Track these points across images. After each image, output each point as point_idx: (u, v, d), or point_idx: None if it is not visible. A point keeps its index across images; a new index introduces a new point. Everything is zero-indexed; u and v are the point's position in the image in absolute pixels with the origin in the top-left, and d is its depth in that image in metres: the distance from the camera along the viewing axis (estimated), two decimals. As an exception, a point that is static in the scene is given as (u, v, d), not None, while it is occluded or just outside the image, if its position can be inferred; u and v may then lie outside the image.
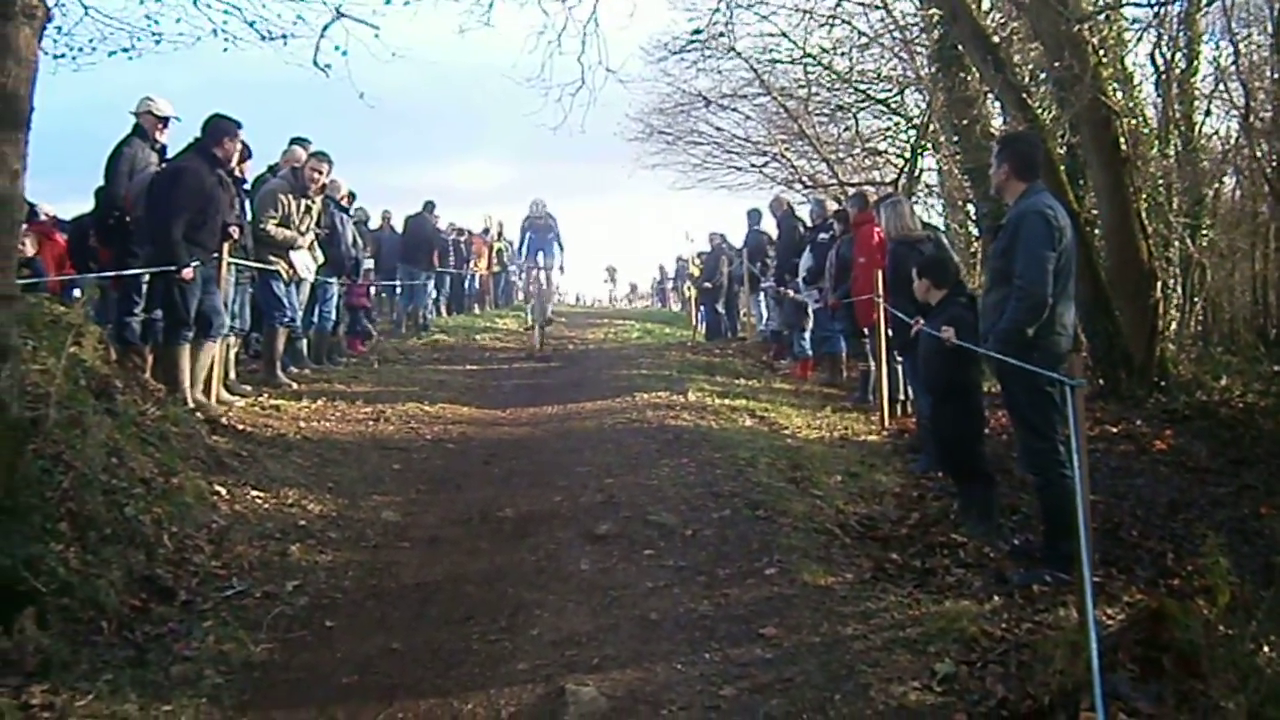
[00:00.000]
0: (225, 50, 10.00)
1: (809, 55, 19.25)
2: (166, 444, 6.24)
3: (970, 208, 17.38)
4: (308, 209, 10.31)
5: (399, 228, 18.02)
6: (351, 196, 13.39)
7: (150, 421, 6.37)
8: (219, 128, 8.34)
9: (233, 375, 9.46)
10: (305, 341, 11.51)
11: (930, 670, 4.05)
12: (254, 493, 6.36)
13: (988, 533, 5.93)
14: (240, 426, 7.79)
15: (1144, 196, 12.76)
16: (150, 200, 8.04)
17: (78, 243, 10.49)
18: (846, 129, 21.85)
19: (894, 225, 8.04)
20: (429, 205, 18.03)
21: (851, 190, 17.15)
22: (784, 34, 19.00)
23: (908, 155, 19.81)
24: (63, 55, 10.13)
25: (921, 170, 19.91)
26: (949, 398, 6.22)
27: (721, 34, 18.17)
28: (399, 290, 17.98)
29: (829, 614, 4.69)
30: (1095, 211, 12.24)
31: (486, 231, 24.60)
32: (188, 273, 7.76)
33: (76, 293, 9.84)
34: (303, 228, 10.21)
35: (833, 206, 13.70)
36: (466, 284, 22.66)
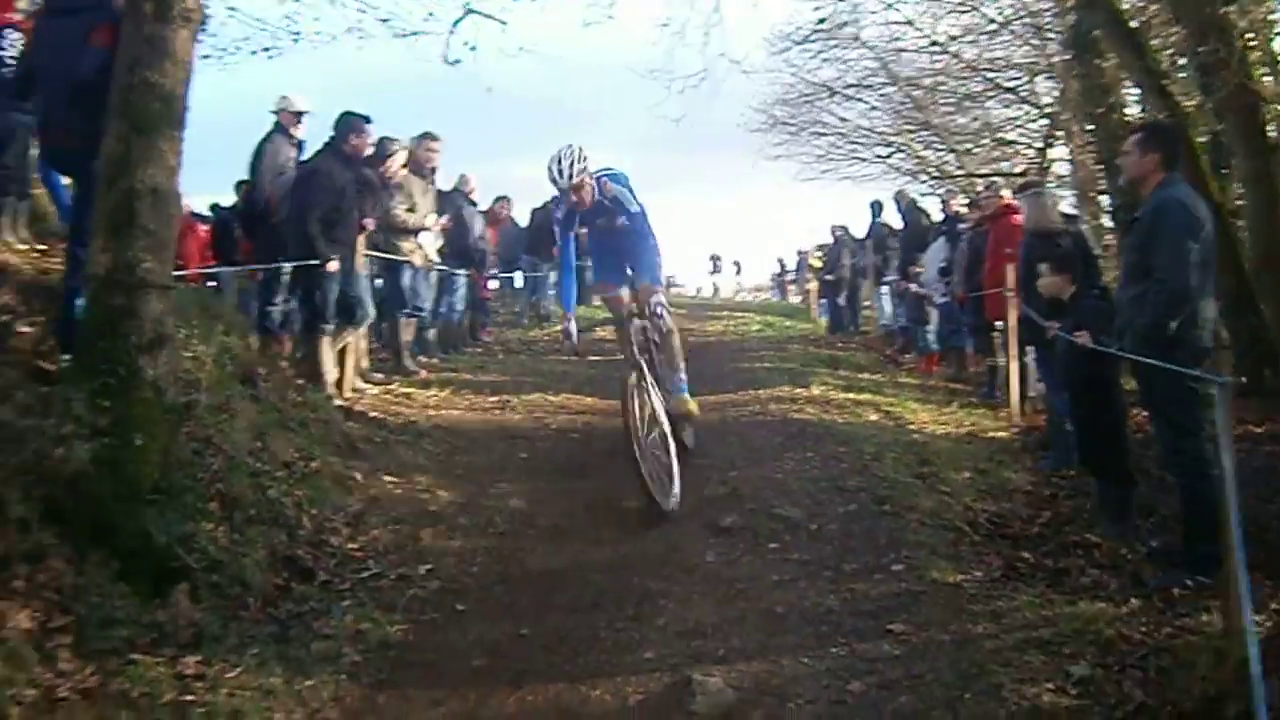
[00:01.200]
0: (359, 48, 10.33)
1: (936, 43, 18.93)
2: (306, 429, 6.48)
3: (1104, 199, 16.81)
4: (426, 191, 10.52)
5: (520, 220, 18.25)
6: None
7: (290, 408, 6.63)
8: (347, 125, 8.59)
9: (365, 364, 9.73)
10: (433, 331, 11.79)
11: (1065, 672, 3.96)
12: (387, 478, 6.55)
13: (1124, 533, 5.76)
14: (373, 414, 8.03)
15: (1293, 186, 12.16)
16: (291, 199, 8.36)
17: (221, 235, 10.97)
18: (974, 118, 21.37)
19: (1034, 216, 7.80)
20: (555, 199, 18.19)
21: (980, 182, 16.81)
22: (910, 22, 18.73)
23: (1038, 145, 19.27)
24: (209, 55, 10.61)
25: (1052, 161, 19.34)
26: (1088, 394, 6.05)
27: (846, 23, 17.99)
28: (521, 282, 18.21)
29: (958, 612, 4.62)
30: (1240, 202, 11.71)
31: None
32: (332, 265, 8.03)
33: (212, 284, 10.24)
34: (424, 209, 10.42)
35: (960, 199, 13.42)
36: (588, 276, 22.83)
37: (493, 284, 15.78)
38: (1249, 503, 6.54)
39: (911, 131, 21.87)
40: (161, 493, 4.39)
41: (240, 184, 9.89)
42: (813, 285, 22.39)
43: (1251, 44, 11.02)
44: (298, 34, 10.95)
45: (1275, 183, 10.74)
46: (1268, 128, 10.84)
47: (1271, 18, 13.44)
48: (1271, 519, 6.36)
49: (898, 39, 19.60)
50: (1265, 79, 11.67)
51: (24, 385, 4.47)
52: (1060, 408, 7.72)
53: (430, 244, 10.61)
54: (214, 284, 10.41)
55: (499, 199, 15.23)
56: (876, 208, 16.76)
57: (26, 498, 3.92)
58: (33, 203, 7.15)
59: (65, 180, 6.76)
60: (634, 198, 6.95)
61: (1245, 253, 10.93)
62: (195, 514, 4.58)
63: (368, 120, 8.79)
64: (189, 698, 3.67)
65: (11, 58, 6.37)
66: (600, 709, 3.88)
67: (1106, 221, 16.76)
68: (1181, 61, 12.98)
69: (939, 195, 16.21)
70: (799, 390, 9.91)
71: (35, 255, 6.30)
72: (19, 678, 3.38)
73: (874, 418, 8.92)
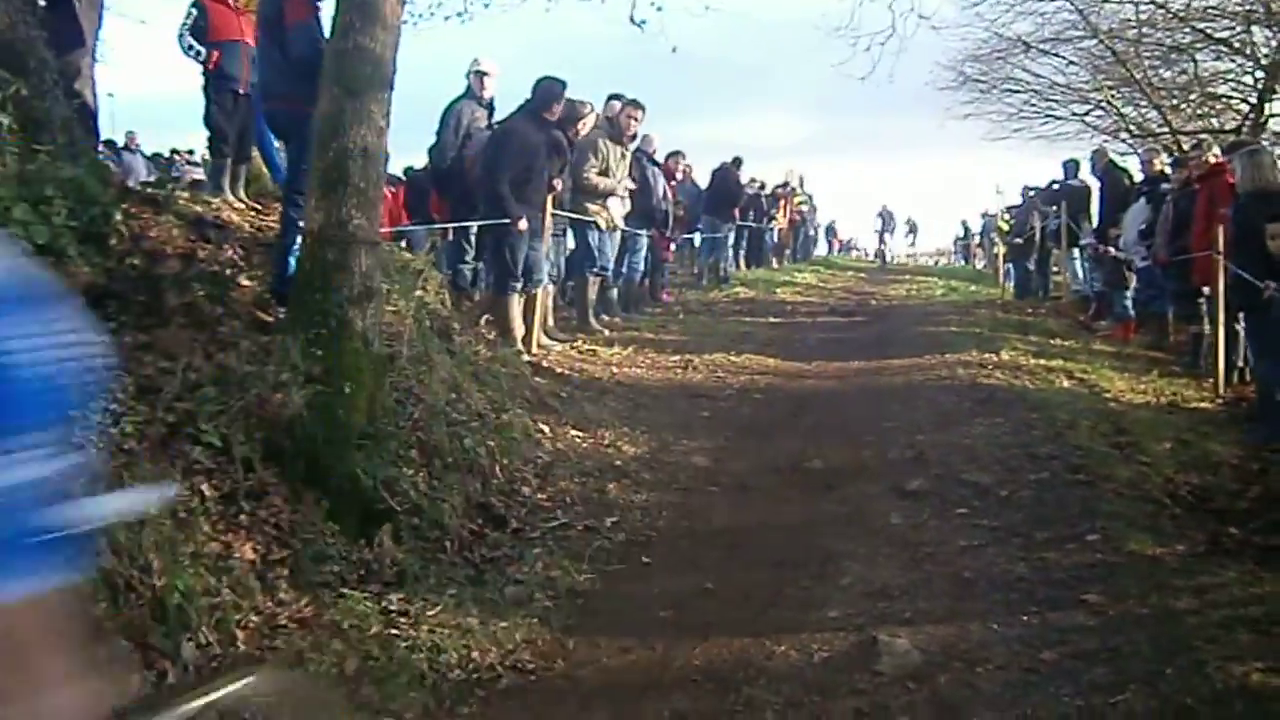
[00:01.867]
0: (548, 10, 10.50)
1: (1142, -9, 17.84)
2: (496, 383, 6.70)
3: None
4: (623, 156, 10.65)
5: (700, 181, 18.24)
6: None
7: (482, 361, 6.86)
8: (547, 91, 8.76)
9: (550, 322, 9.97)
10: (616, 290, 11.98)
11: (1276, 652, 3.75)
12: (573, 432, 6.72)
13: None
14: (559, 370, 8.24)
15: None
16: (483, 160, 8.61)
17: (415, 194, 11.38)
18: (1182, 72, 20.06)
19: (1251, 176, 7.32)
20: (737, 160, 18.06)
21: (1187, 140, 15.85)
22: (1114, -30, 17.70)
23: (1253, 100, 17.99)
24: (405, 20, 10.95)
25: (1269, 116, 18.01)
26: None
27: (1045, -27, 17.16)
28: (700, 242, 18.27)
29: (1158, 585, 4.42)
30: None
31: (786, 185, 24.54)
32: (521, 224, 8.25)
33: (403, 242, 10.64)
34: (619, 175, 10.55)
35: (1163, 158, 12.69)
36: (767, 238, 22.73)
37: (674, 245, 15.85)
38: None
39: (1112, 87, 20.71)
40: (368, 438, 4.64)
41: (431, 147, 10.23)
42: (1000, 249, 21.64)
43: None
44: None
45: None
46: None
47: None
48: None
49: (1100, -11, 18.60)
50: None
51: (246, 335, 4.76)
52: (1270, 377, 7.29)
53: (618, 209, 10.74)
54: (404, 243, 10.84)
55: (672, 154, 15.14)
56: (1071, 167, 16.03)
57: (249, 439, 4.19)
58: (249, 165, 7.60)
59: (278, 144, 7.19)
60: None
61: None
62: (398, 460, 4.81)
63: (564, 85, 8.94)
64: (393, 631, 3.87)
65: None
66: (785, 664, 3.89)
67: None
68: None
69: (1139, 154, 15.30)
70: (988, 355, 9.64)
71: (252, 214, 6.69)
72: (244, 604, 3.65)
73: (1067, 385, 8.59)
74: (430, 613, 4.07)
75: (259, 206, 6.93)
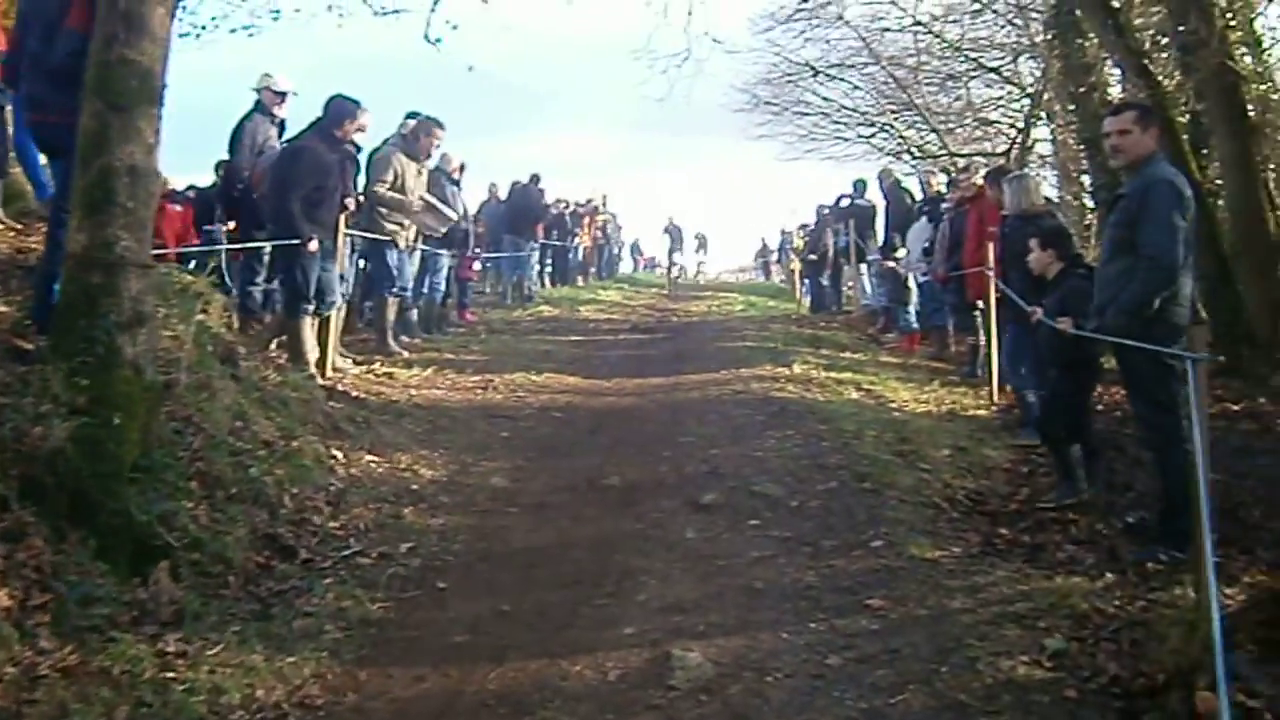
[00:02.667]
0: (339, 25, 10.32)
1: (919, 23, 18.96)
2: (286, 409, 6.47)
3: (1085, 179, 16.86)
4: (419, 173, 10.47)
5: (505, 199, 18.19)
6: (461, 168, 13.56)
7: (271, 387, 6.62)
8: (340, 108, 8.55)
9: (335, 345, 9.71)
10: (416, 311, 11.78)
11: (1040, 646, 4.00)
12: (369, 457, 6.56)
13: (1078, 499, 5.89)
14: (355, 393, 8.03)
15: (1272, 166, 12.23)
16: (272, 178, 8.32)
17: (202, 214, 10.91)
18: (957, 98, 21.43)
19: (1017, 200, 7.83)
20: (535, 177, 18.11)
21: (961, 161, 16.83)
22: (893, 1, 18.69)
23: (1020, 125, 19.30)
24: (186, 33, 10.55)
25: (1035, 140, 19.38)
26: (1071, 371, 6.11)
27: (829, 2, 17.98)
28: (503, 261, 18.20)
29: (936, 587, 4.67)
30: (1219, 182, 11.77)
31: (590, 203, 24.75)
32: (312, 245, 8.01)
33: (192, 263, 10.20)
34: (416, 193, 10.36)
35: (939, 178, 13.43)
36: (570, 256, 22.85)
37: (477, 264, 15.74)
38: (1225, 480, 6.67)
39: (894, 111, 21.88)
40: (142, 471, 4.39)
41: (220, 163, 9.85)
42: (796, 265, 22.41)
43: (1231, 23, 11.05)
44: (277, 12, 10.90)
45: (1254, 163, 10.80)
46: (1248, 108, 10.89)
47: (1251, -3, 13.50)
48: (1246, 495, 6.44)
49: (881, 18, 19.65)
50: (1245, 58, 11.72)
51: (2, 365, 4.45)
52: (1023, 384, 7.84)
53: (435, 222, 10.55)
54: (192, 263, 10.37)
55: (493, 185, 15.06)
56: (860, 186, 16.79)
57: (4, 476, 3.91)
58: (9, 182, 7.10)
59: (43, 159, 6.74)
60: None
61: (1224, 233, 11.01)
62: (176, 492, 4.57)
63: (358, 104, 8.74)
64: (170, 675, 3.67)
65: None
66: (581, 684, 3.90)
67: (1088, 201, 16.84)
68: (1163, 41, 13.02)
69: (919, 175, 16.21)
70: (780, 369, 9.96)
71: (12, 235, 6.27)
72: (0, 656, 3.39)
73: (855, 396, 8.97)
74: (211, 652, 3.88)
75: (19, 226, 6.49)
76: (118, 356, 4.40)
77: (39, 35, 5.11)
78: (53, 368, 4.32)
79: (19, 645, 3.50)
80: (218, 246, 9.35)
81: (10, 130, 6.79)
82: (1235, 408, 9.13)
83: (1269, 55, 14.87)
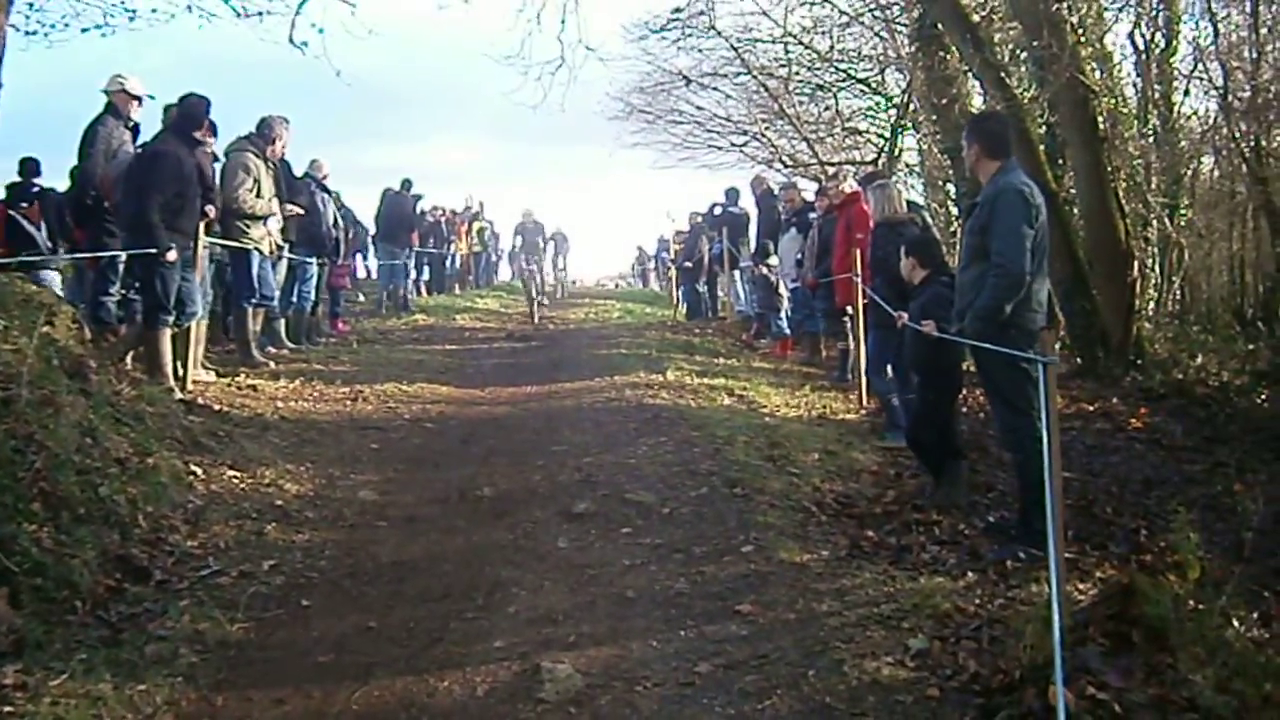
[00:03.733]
0: (200, 27, 9.97)
1: (790, 34, 19.31)
2: (142, 424, 6.20)
3: (950, 187, 17.42)
4: (270, 173, 10.16)
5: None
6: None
7: (125, 401, 6.34)
8: (194, 107, 8.26)
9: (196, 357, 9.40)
10: (283, 321, 11.45)
11: (904, 646, 4.08)
12: (230, 472, 6.33)
13: (952, 505, 6.01)
14: (217, 406, 7.75)
15: (1122, 176, 12.85)
16: (128, 183, 7.99)
17: (53, 221, 10.41)
18: (827, 108, 21.92)
19: (881, 207, 8.00)
20: (406, 183, 17.74)
21: (831, 169, 17.17)
22: (765, 12, 19.07)
23: (888, 134, 19.84)
24: (34, 32, 10.06)
25: (902, 149, 19.96)
26: (934, 377, 6.26)
27: (702, 12, 18.23)
28: (377, 269, 17.89)
29: (804, 591, 4.72)
30: (1073, 190, 12.28)
31: (468, 210, 24.51)
32: (171, 255, 7.72)
33: (45, 273, 9.73)
34: (270, 195, 10.06)
35: (805, 186, 13.67)
36: (447, 264, 22.57)
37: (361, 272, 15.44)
38: (1079, 478, 6.93)
39: (766, 120, 22.25)
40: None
41: (74, 170, 9.42)
42: (673, 272, 22.56)
43: (1082, 39, 11.56)
44: (134, 12, 10.42)
45: (1105, 173, 11.30)
46: (1098, 120, 11.38)
47: (1104, 15, 14.12)
48: (1099, 493, 6.71)
49: (752, 29, 19.96)
50: (1095, 73, 12.27)
51: None
52: (882, 386, 8.04)
53: (275, 228, 10.25)
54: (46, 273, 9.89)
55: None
56: (732, 194, 16.99)
57: None
58: None
59: None
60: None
61: (1079, 239, 11.48)
62: (15, 514, 4.34)
63: (209, 102, 8.46)
64: (8, 709, 3.47)
65: None
66: (448, 700, 3.82)
67: (953, 209, 17.38)
68: (1020, 55, 13.55)
69: (780, 190, 16.50)
70: (654, 376, 10.00)
71: None
72: None
73: (727, 402, 9.05)
74: (54, 683, 3.69)
75: None
76: (-52, 372, 4.15)
77: None
78: (-125, 385, 4.06)
79: None
80: (66, 256, 8.93)
81: None
82: (1090, 408, 9.54)
83: (1118, 70, 15.64)
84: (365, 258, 20.79)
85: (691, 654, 4.10)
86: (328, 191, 12.76)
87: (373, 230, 18.01)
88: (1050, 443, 3.87)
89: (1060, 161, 12.70)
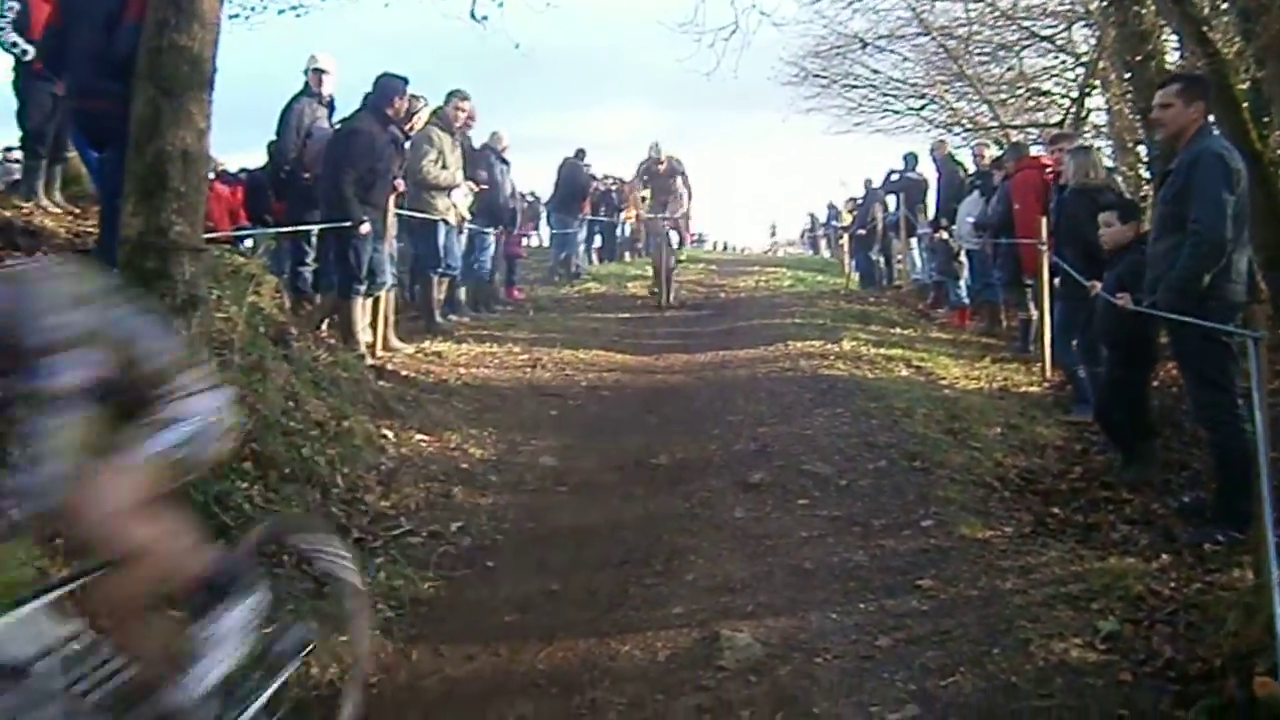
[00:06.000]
0: (386, 5, 10.29)
1: (971, -9, 18.56)
2: (337, 389, 6.54)
3: (1141, 150, 16.52)
4: (455, 146, 10.49)
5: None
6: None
7: (322, 367, 6.69)
8: (388, 87, 8.58)
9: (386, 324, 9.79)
10: (463, 290, 11.84)
11: (1093, 628, 3.95)
12: (418, 436, 6.61)
13: (1144, 483, 5.78)
14: (404, 373, 8.09)
15: (1336, 135, 11.92)
16: (326, 160, 8.38)
17: (253, 196, 11.01)
18: (1009, 68, 20.96)
19: (1081, 172, 7.63)
20: (580, 153, 18.03)
21: (1014, 133, 16.57)
22: (945, -31, 18.37)
23: (1074, 95, 18.92)
24: (236, 15, 10.63)
25: (1089, 111, 18.97)
26: (1127, 350, 6.01)
27: (879, -28, 17.69)
28: (550, 238, 18.20)
29: (987, 567, 4.63)
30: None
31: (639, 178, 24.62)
32: (365, 228, 8.07)
33: (247, 244, 10.30)
34: (455, 167, 10.40)
35: (992, 151, 13.21)
36: (618, 232, 22.79)
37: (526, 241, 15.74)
38: (1283, 458, 6.54)
39: (945, 83, 21.51)
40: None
41: (270, 144, 9.93)
42: (845, 239, 22.19)
43: (1294, -13, 10.76)
44: (327, -9, 10.92)
45: (1317, 132, 10.53)
46: (1311, 74, 10.59)
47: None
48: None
49: (931, -13, 19.25)
50: (1308, 23, 11.41)
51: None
52: (1068, 358, 7.73)
53: (462, 201, 10.62)
54: (248, 244, 10.48)
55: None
56: (910, 159, 16.59)
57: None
58: (66, 167, 7.22)
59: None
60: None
61: (1286, 204, 10.74)
62: (230, 473, 4.64)
63: (405, 81, 8.77)
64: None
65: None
66: (629, 664, 3.92)
67: (1144, 172, 16.50)
68: (1222, 6, 12.70)
69: (970, 147, 15.93)
70: (829, 346, 9.91)
71: (69, 219, 6.37)
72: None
73: (905, 373, 8.90)
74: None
75: (76, 210, 6.60)
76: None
77: (95, 26, 5.17)
78: (109, 351, 4.38)
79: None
80: (271, 229, 9.44)
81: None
82: (1293, 383, 8.95)
83: (1333, 20, 14.47)
84: (538, 227, 21.17)
85: (871, 627, 4.08)
86: (506, 163, 13.06)
87: (545, 199, 18.32)
88: (1262, 422, 3.66)
89: (1265, 121, 11.89)
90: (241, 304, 5.99)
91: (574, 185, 17.61)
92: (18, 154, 13.97)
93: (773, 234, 42.97)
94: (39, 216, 6.07)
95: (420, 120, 9.81)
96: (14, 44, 6.86)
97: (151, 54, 4.54)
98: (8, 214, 5.74)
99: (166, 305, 4.48)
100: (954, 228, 13.03)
